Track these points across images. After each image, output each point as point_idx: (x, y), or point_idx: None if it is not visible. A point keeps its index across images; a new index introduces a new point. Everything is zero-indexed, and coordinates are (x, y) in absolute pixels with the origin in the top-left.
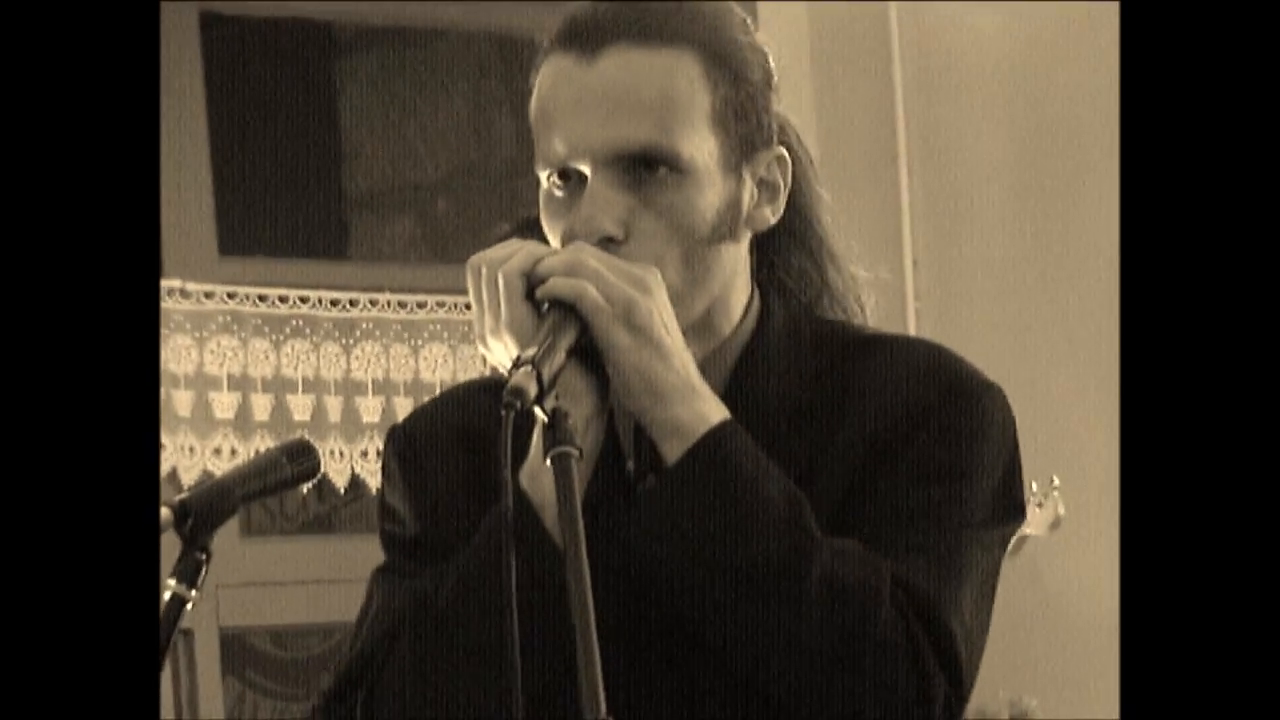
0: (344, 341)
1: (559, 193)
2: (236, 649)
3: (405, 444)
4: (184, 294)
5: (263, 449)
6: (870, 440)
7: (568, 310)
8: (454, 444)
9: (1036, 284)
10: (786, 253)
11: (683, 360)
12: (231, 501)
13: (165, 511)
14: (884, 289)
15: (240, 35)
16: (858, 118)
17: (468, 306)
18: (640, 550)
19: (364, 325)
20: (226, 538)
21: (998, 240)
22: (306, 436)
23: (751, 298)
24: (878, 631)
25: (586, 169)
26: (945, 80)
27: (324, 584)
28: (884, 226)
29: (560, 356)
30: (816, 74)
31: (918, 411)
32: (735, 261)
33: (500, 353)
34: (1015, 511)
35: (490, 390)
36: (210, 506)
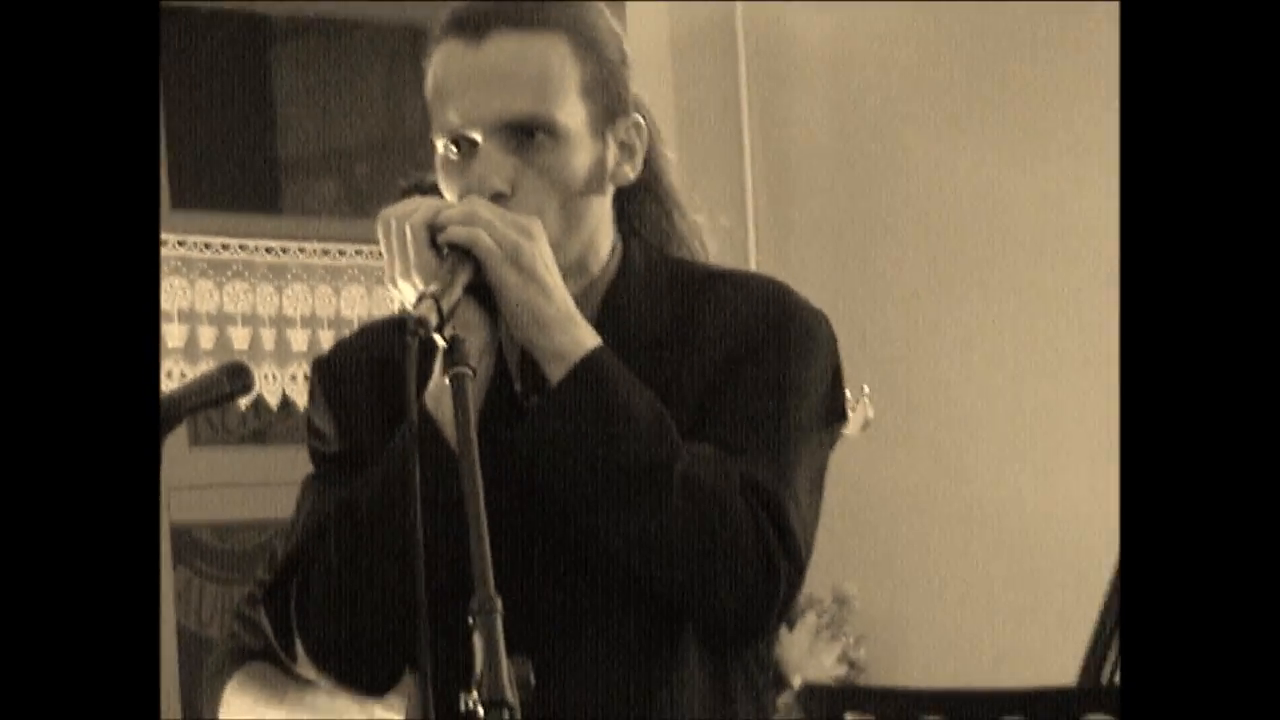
0: (276, 283)
1: (454, 157)
2: (185, 542)
3: (328, 372)
4: None
5: None
6: (718, 359)
7: (464, 254)
8: (369, 372)
9: (854, 235)
10: (642, 204)
11: (561, 296)
12: (179, 412)
13: None
14: (731, 243)
15: (190, 25)
16: (710, 99)
17: (380, 254)
18: (530, 457)
19: (293, 269)
20: (177, 446)
21: (823, 200)
22: (244, 361)
23: (615, 242)
24: (731, 521)
25: (477, 136)
26: (782, 67)
27: (259, 487)
28: (730, 189)
29: (458, 292)
30: (675, 62)
31: (757, 335)
32: (602, 212)
33: (408, 291)
34: (839, 416)
35: (399, 326)
36: (170, 413)
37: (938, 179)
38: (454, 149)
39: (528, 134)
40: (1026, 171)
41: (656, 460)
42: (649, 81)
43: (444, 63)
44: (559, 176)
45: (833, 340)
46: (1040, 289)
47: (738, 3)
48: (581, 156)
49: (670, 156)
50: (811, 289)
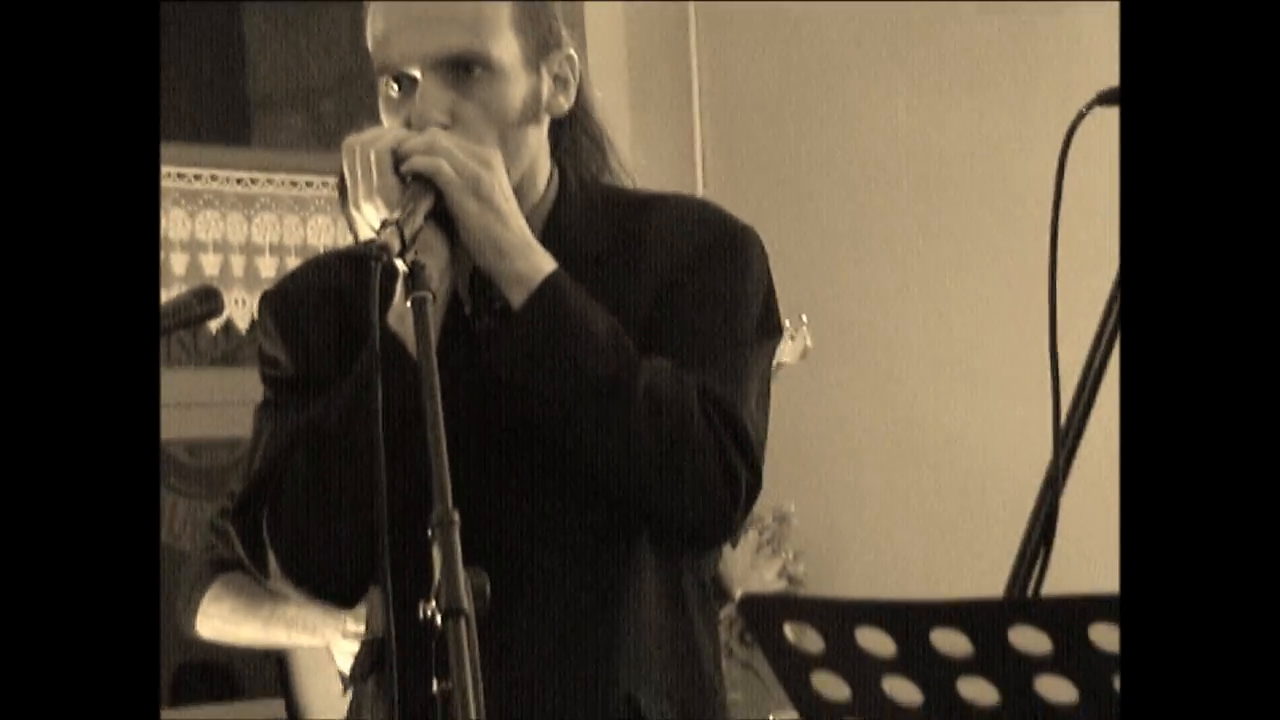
0: (246, 212)
1: (395, 94)
2: (160, 459)
3: (280, 302)
4: None
5: None
6: (661, 277)
7: (425, 182)
8: (321, 300)
9: (797, 177)
10: (574, 136)
11: (519, 223)
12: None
13: None
14: (676, 178)
15: None
16: (661, 48)
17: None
18: (500, 373)
19: (262, 199)
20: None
21: (768, 143)
22: (214, 285)
23: (552, 171)
24: (692, 431)
25: (416, 73)
26: (728, 16)
27: (230, 405)
28: (680, 134)
29: (419, 220)
30: (628, 15)
31: (696, 253)
32: (538, 141)
33: (371, 215)
34: (777, 329)
35: (347, 259)
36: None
37: (876, 123)
38: (395, 86)
39: (465, 69)
40: (960, 114)
41: (618, 375)
42: (603, 33)
43: (383, 5)
44: (496, 108)
45: (765, 256)
46: (972, 227)
47: None
48: (517, 88)
49: (598, 95)
50: (757, 227)
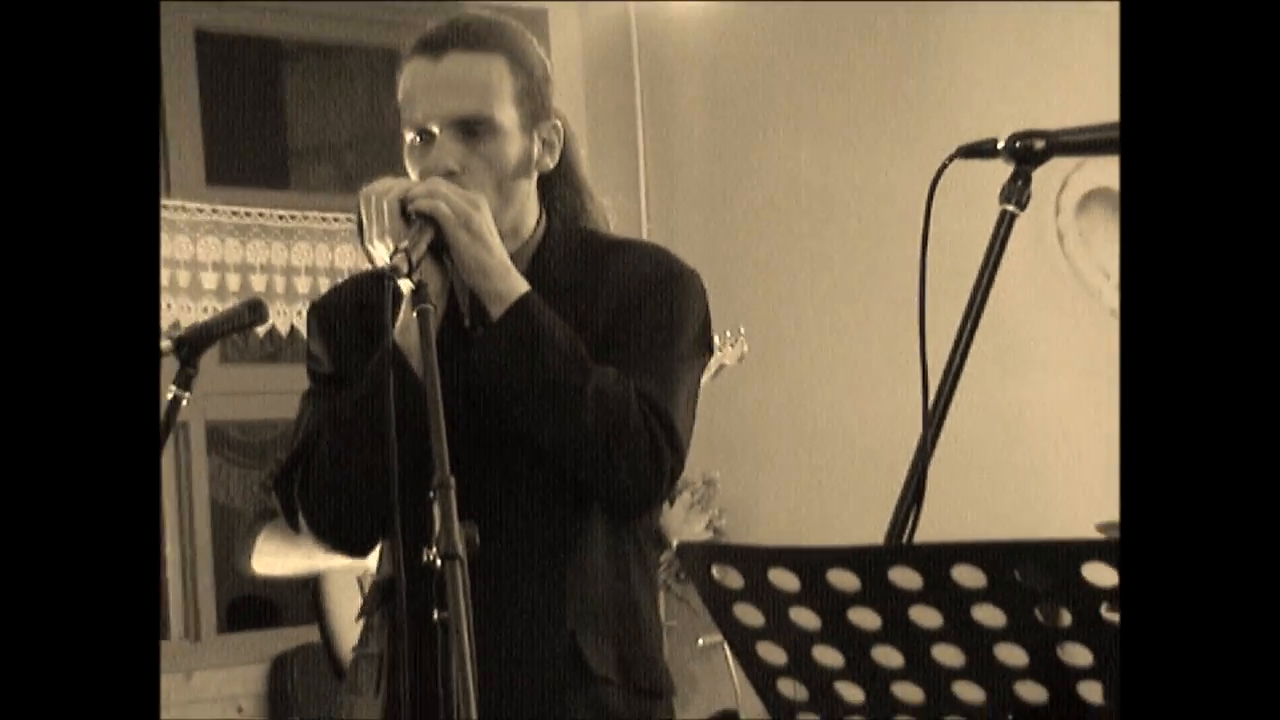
0: (286, 242)
1: (418, 145)
2: (216, 436)
3: (321, 312)
4: (184, 209)
5: None
6: (618, 304)
7: (427, 219)
8: (352, 311)
9: (724, 210)
10: (561, 189)
11: (500, 252)
12: (211, 337)
13: (166, 343)
14: (627, 216)
15: (223, 46)
16: (611, 100)
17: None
18: (480, 374)
19: (299, 231)
20: (210, 363)
21: (700, 182)
22: (261, 299)
23: (540, 216)
24: (630, 423)
25: (435, 129)
26: (667, 68)
27: (272, 394)
28: (626, 173)
29: (422, 249)
30: (585, 70)
31: (647, 287)
32: (529, 190)
33: (381, 250)
34: (708, 349)
35: (373, 277)
36: (197, 339)
37: (787, 163)
38: (418, 139)
39: (473, 128)
40: (850, 162)
41: (572, 378)
42: (566, 85)
43: (411, 75)
44: (497, 162)
45: (704, 292)
46: (860, 254)
47: (630, 2)
48: (514, 147)
49: (581, 153)
50: (692, 253)
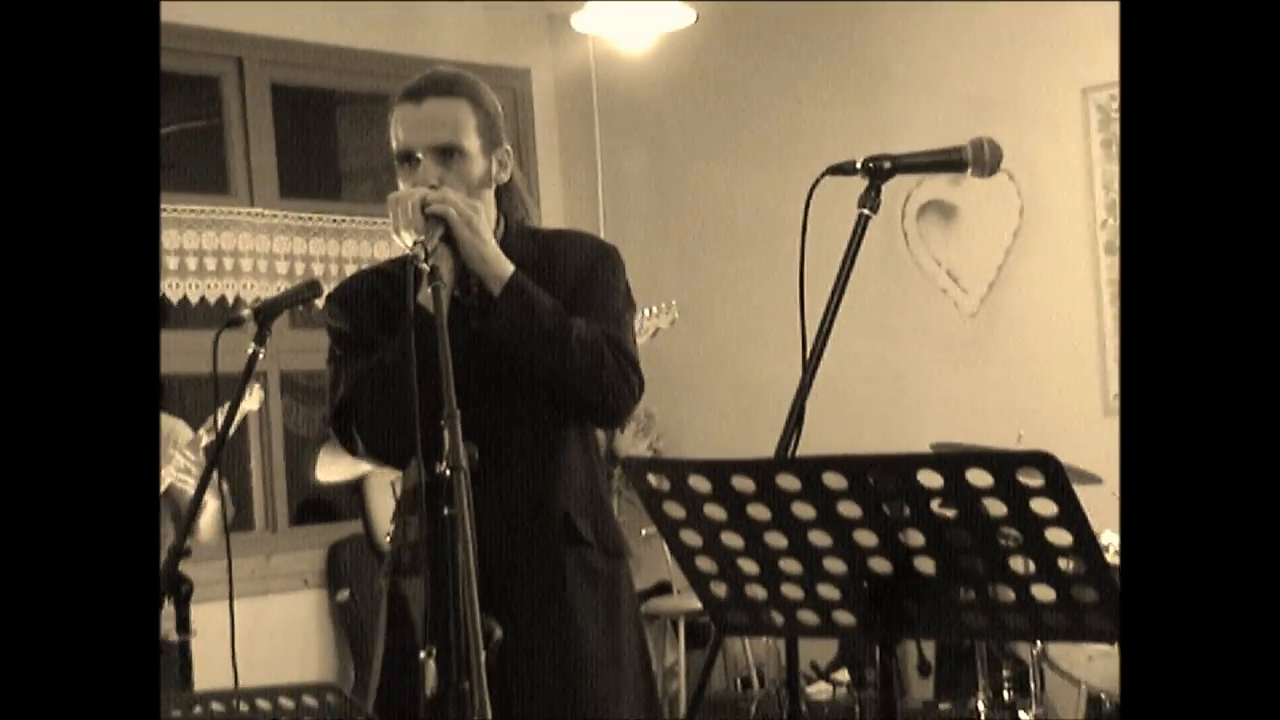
0: (338, 239)
1: (406, 167)
2: (288, 382)
3: (341, 297)
4: (262, 215)
5: None
6: (575, 274)
7: (439, 219)
8: (368, 293)
9: (665, 225)
10: (509, 196)
11: (493, 245)
12: (280, 307)
13: (247, 312)
14: (588, 220)
15: (292, 94)
16: (580, 134)
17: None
18: (492, 333)
19: (347, 232)
20: (283, 328)
21: (645, 204)
22: (318, 280)
23: (498, 218)
24: (605, 357)
25: (420, 155)
26: (620, 107)
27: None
28: (588, 200)
29: (435, 240)
30: (559, 114)
31: (592, 260)
32: (489, 199)
33: (406, 238)
34: (633, 305)
35: (379, 271)
36: (270, 309)
37: (707, 185)
38: (407, 164)
39: (448, 154)
40: (760, 175)
41: (559, 328)
42: (544, 127)
43: (399, 115)
44: (466, 178)
45: (624, 264)
46: (766, 246)
47: (594, 80)
48: (478, 167)
49: (522, 174)
50: (638, 247)
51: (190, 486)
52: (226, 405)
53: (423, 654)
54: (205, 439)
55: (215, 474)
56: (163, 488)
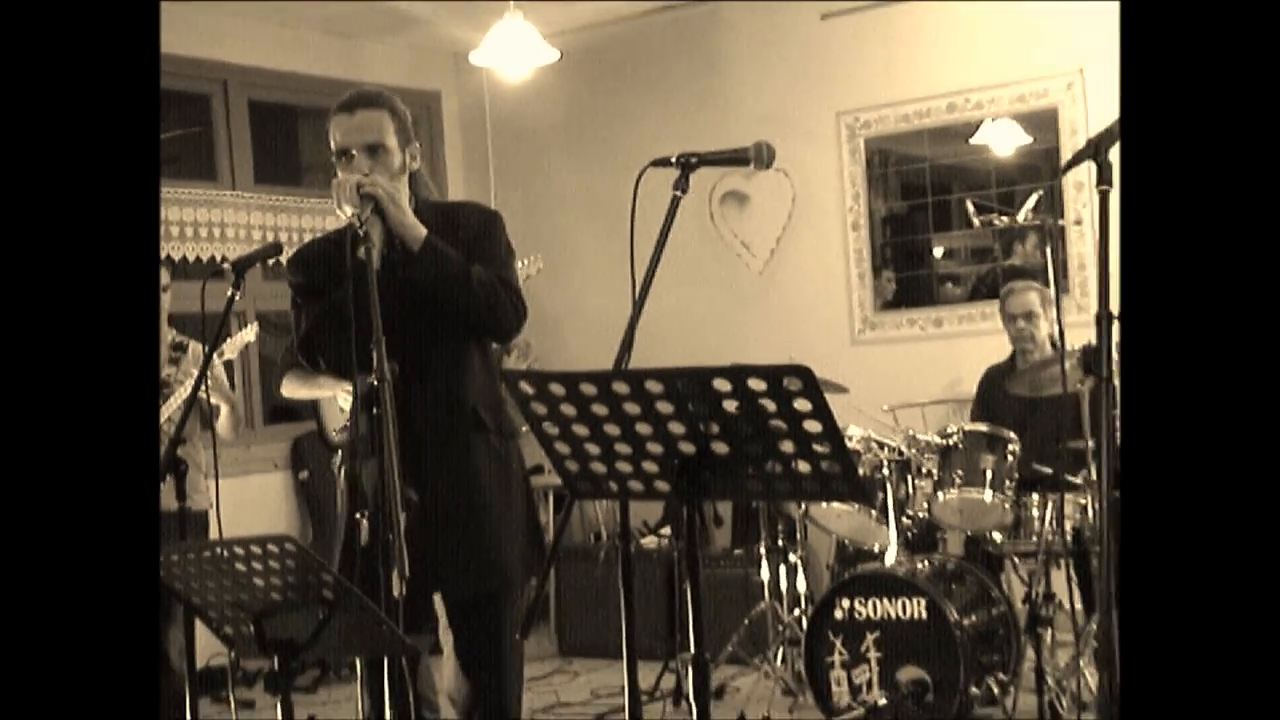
0: (298, 215)
1: (343, 161)
2: (263, 319)
3: (299, 257)
4: (242, 196)
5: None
6: (471, 233)
7: (371, 198)
8: (317, 254)
9: (541, 193)
10: (418, 181)
11: (411, 215)
12: (251, 262)
13: (226, 266)
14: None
15: (266, 109)
16: (477, 144)
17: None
18: (414, 280)
19: (306, 209)
20: (257, 278)
21: (523, 179)
22: (280, 242)
23: (411, 196)
24: (497, 294)
25: (354, 152)
26: (508, 123)
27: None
28: (483, 181)
29: (368, 214)
30: (461, 129)
31: (481, 224)
32: (405, 182)
33: (347, 211)
34: (514, 253)
35: (326, 239)
36: (243, 263)
37: (568, 176)
38: (344, 158)
39: (375, 150)
40: (611, 167)
41: (464, 272)
42: (452, 138)
43: (336, 122)
44: (388, 169)
45: (504, 223)
46: (613, 219)
47: (486, 102)
48: (396, 160)
49: (425, 166)
50: (517, 224)
51: (203, 392)
52: (220, 333)
53: (358, 515)
54: (225, 355)
55: (227, 381)
56: (185, 394)
